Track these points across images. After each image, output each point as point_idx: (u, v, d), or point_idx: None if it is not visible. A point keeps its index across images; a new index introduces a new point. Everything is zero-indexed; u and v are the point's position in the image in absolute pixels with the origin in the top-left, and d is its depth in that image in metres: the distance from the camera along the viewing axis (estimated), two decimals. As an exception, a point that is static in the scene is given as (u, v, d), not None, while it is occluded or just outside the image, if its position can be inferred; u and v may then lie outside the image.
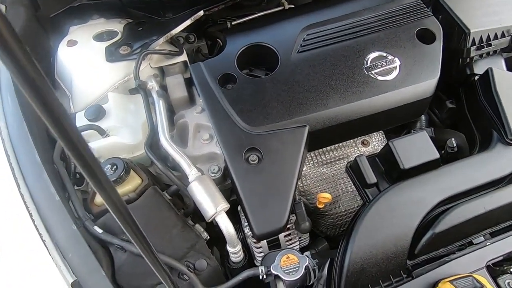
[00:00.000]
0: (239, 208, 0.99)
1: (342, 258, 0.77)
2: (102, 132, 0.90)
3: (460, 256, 0.76)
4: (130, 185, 0.82)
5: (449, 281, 0.68)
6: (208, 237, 0.87)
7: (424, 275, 0.73)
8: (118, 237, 0.74)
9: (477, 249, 0.77)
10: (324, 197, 0.89)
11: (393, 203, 0.80)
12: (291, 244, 0.93)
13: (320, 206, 0.95)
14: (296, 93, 0.96)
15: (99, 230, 0.73)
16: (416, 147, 0.86)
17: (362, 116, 0.96)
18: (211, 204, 0.75)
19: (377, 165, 0.92)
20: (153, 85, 0.97)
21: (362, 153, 1.16)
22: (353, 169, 0.93)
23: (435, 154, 0.85)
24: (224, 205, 0.77)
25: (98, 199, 0.80)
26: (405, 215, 0.79)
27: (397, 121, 1.05)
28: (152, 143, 0.99)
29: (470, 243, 0.83)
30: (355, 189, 1.14)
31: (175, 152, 0.83)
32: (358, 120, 0.96)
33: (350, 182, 1.15)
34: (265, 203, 0.81)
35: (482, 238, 0.83)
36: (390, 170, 0.89)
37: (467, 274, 0.69)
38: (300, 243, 0.96)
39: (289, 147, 0.88)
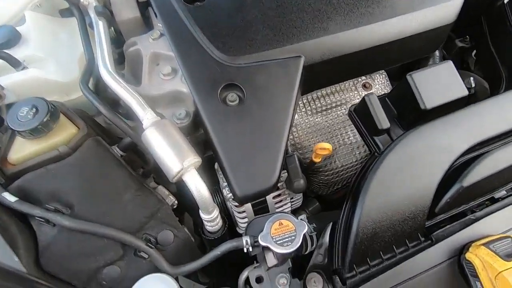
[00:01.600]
0: (216, 166, 0.79)
1: (348, 221, 0.61)
2: (17, 64, 0.64)
3: (489, 214, 0.62)
4: (61, 135, 0.58)
5: (483, 244, 0.54)
6: (176, 202, 0.67)
7: (449, 239, 0.59)
8: (42, 206, 0.52)
9: (508, 204, 0.63)
10: (323, 148, 0.71)
11: (412, 152, 0.63)
12: (281, 207, 0.76)
13: (317, 159, 0.77)
14: (287, 12, 0.72)
15: (12, 198, 0.51)
16: (441, 81, 0.67)
17: (371, 46, 0.75)
18: (175, 158, 0.54)
19: (388, 107, 0.73)
20: (90, 0, 0.69)
21: (363, 97, 0.97)
22: (359, 113, 0.74)
23: (464, 91, 0.67)
24: (194, 159, 0.56)
25: (14, 155, 0.57)
26: (426, 166, 0.62)
27: (410, 55, 0.85)
28: (99, 83, 0.74)
29: (492, 199, 0.69)
30: (353, 141, 0.97)
31: (122, 87, 0.59)
32: (365, 52, 0.75)
33: (348, 133, 0.97)
34: (249, 156, 0.61)
35: (504, 192, 0.69)
36: (405, 113, 0.71)
37: (504, 235, 0.55)
38: (292, 206, 0.79)
39: (280, 84, 0.67)
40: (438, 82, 0.67)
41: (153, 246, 0.56)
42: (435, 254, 0.57)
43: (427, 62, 0.95)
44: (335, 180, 0.98)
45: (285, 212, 0.61)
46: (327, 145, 0.71)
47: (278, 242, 0.54)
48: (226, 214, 0.79)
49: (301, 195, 0.82)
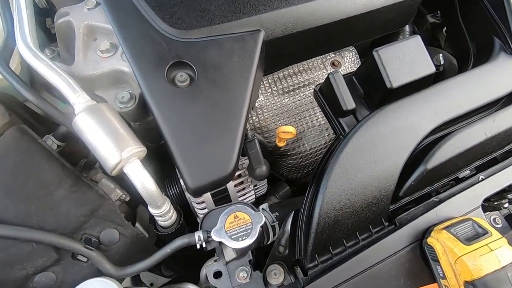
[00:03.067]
0: (173, 153, 0.72)
1: (310, 209, 0.57)
2: None
3: (452, 195, 0.61)
4: (-26, 124, 0.49)
5: (445, 228, 0.53)
6: (125, 195, 0.61)
7: (412, 223, 0.57)
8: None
9: (471, 185, 0.62)
10: (285, 132, 0.66)
11: (376, 134, 0.59)
12: (244, 195, 0.71)
13: (281, 144, 0.72)
14: (244, -20, 0.64)
15: None
16: (408, 58, 0.63)
17: (337, 19, 0.69)
18: (113, 148, 0.47)
19: (354, 86, 0.69)
20: (5, -40, 0.57)
21: (331, 76, 0.92)
22: (324, 93, 0.69)
23: (431, 67, 0.64)
24: (135, 149, 0.49)
25: None
26: (390, 149, 0.59)
27: (379, 30, 0.80)
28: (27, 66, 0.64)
29: (457, 179, 0.68)
30: (322, 123, 0.93)
31: (45, 66, 0.50)
32: (330, 26, 0.69)
33: (316, 114, 0.93)
34: (202, 142, 0.55)
35: (468, 172, 0.68)
36: (371, 92, 0.67)
37: (465, 217, 0.54)
38: (256, 193, 0.75)
39: (236, 61, 0.60)
40: (405, 58, 0.63)
41: (93, 248, 0.49)
42: (398, 239, 0.56)
43: (397, 38, 0.91)
44: (305, 163, 0.95)
45: (244, 203, 0.56)
46: (290, 128, 0.67)
47: (232, 237, 0.49)
48: (185, 204, 0.74)
49: (265, 182, 0.78)
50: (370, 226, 0.59)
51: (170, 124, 0.55)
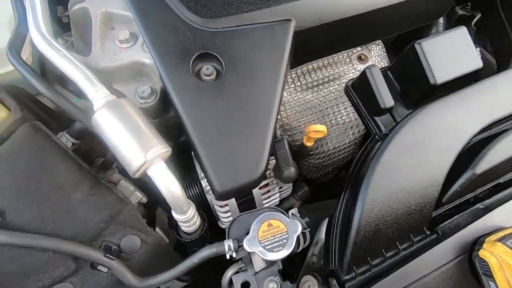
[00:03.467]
0: (193, 153, 0.67)
1: (346, 215, 0.53)
2: None
3: (499, 202, 0.56)
4: (-16, 120, 0.45)
5: (499, 239, 0.48)
6: (145, 198, 0.56)
7: (458, 233, 0.52)
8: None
9: (520, 191, 0.57)
10: (316, 131, 0.61)
11: (419, 135, 0.54)
12: (268, 198, 0.66)
13: (309, 143, 0.67)
14: (274, -37, 0.58)
15: None
16: (453, 51, 0.58)
17: (372, 9, 0.63)
18: (137, 148, 0.43)
19: (390, 82, 0.63)
20: None
21: (358, 71, 0.87)
22: (358, 89, 0.63)
23: (478, 63, 0.58)
24: (161, 149, 0.44)
25: None
26: (435, 151, 0.54)
27: (414, 21, 0.75)
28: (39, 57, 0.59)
29: (498, 184, 0.63)
30: (346, 120, 0.87)
31: (61, 56, 0.45)
32: (365, 16, 0.64)
33: (341, 112, 0.88)
34: (230, 142, 0.51)
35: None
36: (410, 89, 0.61)
37: (521, 228, 0.49)
38: (280, 196, 0.70)
39: (266, 53, 0.55)
40: (450, 52, 0.57)
41: (114, 257, 0.45)
42: (443, 252, 0.51)
43: (429, 31, 0.85)
44: (327, 163, 0.90)
45: (274, 208, 0.51)
46: (321, 127, 0.62)
47: (267, 247, 0.45)
48: (205, 206, 0.70)
49: (290, 184, 0.73)
50: (411, 235, 0.54)
51: (195, 122, 0.50)
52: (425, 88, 0.58)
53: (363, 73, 0.60)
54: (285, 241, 0.45)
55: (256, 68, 0.54)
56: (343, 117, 0.87)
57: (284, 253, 0.44)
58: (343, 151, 0.89)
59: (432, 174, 0.53)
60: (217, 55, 0.53)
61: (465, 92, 0.58)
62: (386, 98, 0.57)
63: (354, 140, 0.89)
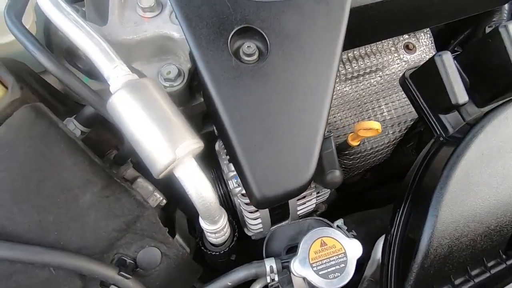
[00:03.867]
0: (217, 147, 0.58)
1: (408, 235, 0.43)
2: None
3: None
4: (-27, 100, 0.36)
5: None
6: (165, 201, 0.47)
7: (548, 260, 0.43)
8: None
9: None
10: (369, 128, 0.51)
11: (506, 139, 0.44)
12: (304, 204, 0.57)
13: (355, 143, 0.57)
14: None
15: None
16: (545, 38, 0.47)
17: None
18: (164, 142, 0.33)
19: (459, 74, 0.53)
20: None
21: (405, 61, 0.77)
22: (419, 80, 0.53)
23: None
24: (193, 143, 0.35)
25: None
26: (521, 160, 0.44)
27: (481, 5, 0.64)
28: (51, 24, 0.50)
29: None
30: (387, 117, 0.78)
31: (72, 22, 0.36)
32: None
33: (381, 107, 0.78)
34: (274, 138, 0.41)
35: None
36: (485, 83, 0.51)
37: None
38: (316, 202, 0.61)
39: (320, 31, 0.45)
40: (541, 39, 0.47)
41: (129, 276, 0.36)
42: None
43: (490, 20, 0.74)
44: (360, 164, 0.80)
45: (318, 219, 0.42)
46: (375, 124, 0.52)
47: (320, 273, 0.36)
48: (229, 209, 0.61)
49: (328, 190, 0.64)
50: (484, 259, 0.45)
51: (233, 114, 0.41)
52: (505, 82, 0.48)
53: (430, 61, 0.49)
54: (343, 265, 0.36)
55: (307, 49, 0.44)
56: (384, 114, 0.78)
57: (341, 280, 0.35)
58: (380, 152, 0.80)
59: (518, 187, 0.43)
60: (262, 31, 0.43)
61: (555, 89, 0.48)
62: (459, 93, 0.47)
63: (393, 140, 0.79)
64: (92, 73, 0.52)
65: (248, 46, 0.42)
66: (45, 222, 0.35)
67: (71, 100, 0.53)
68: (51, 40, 0.52)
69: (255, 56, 0.43)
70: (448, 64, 0.48)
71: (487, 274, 0.44)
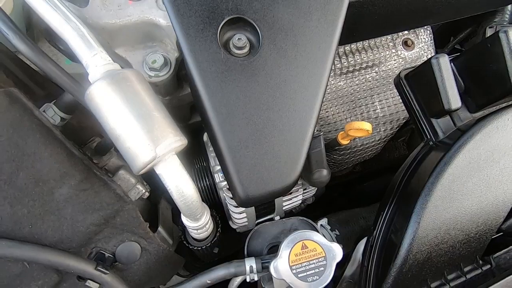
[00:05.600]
0: (205, 137, 0.57)
1: (390, 237, 0.44)
2: None
3: None
4: None
5: None
6: (148, 193, 0.46)
7: (519, 269, 0.44)
8: None
9: None
10: (360, 129, 0.50)
11: (495, 148, 0.44)
12: (290, 200, 0.57)
13: (345, 142, 0.57)
14: None
15: None
16: (544, 46, 0.46)
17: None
18: (145, 139, 0.32)
19: (454, 78, 0.52)
20: None
21: (402, 58, 0.75)
22: (414, 81, 0.52)
23: None
24: (175, 141, 0.34)
25: None
26: (506, 169, 0.44)
27: (483, 5, 0.62)
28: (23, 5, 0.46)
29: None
30: (380, 115, 0.77)
31: (50, 5, 0.33)
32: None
33: (374, 104, 0.77)
34: (261, 136, 0.40)
35: None
36: (479, 88, 0.50)
37: None
38: (302, 198, 0.61)
39: (315, 25, 0.42)
40: (540, 47, 0.46)
41: (107, 271, 0.36)
42: (501, 290, 0.43)
43: (492, 20, 0.72)
44: (350, 160, 0.80)
45: (302, 219, 0.42)
46: (366, 125, 0.51)
47: (299, 275, 0.36)
48: (215, 201, 0.60)
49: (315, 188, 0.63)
50: (461, 264, 0.45)
51: (220, 108, 0.39)
52: (501, 89, 0.47)
53: (427, 63, 0.48)
54: (322, 269, 0.36)
55: (301, 43, 0.42)
56: (377, 111, 0.77)
57: (319, 284, 0.36)
58: (370, 148, 0.80)
59: (501, 197, 0.44)
60: (254, 22, 0.40)
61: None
62: (453, 99, 0.46)
63: (384, 138, 0.79)
64: (74, 54, 0.50)
65: (238, 38, 0.40)
66: (19, 215, 0.33)
67: (51, 84, 0.51)
68: (31, 18, 0.49)
69: (246, 49, 0.41)
70: (445, 68, 0.47)
71: (463, 279, 0.45)
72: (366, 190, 1.00)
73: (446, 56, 0.47)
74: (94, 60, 0.34)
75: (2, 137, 0.33)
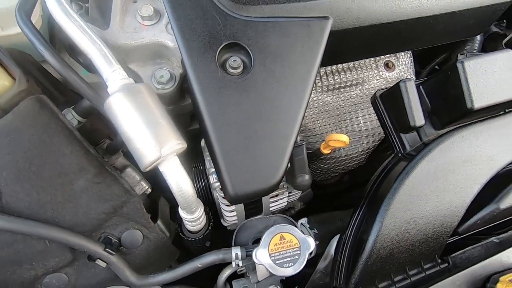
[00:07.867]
0: (203, 142, 0.64)
1: (359, 236, 0.50)
2: None
3: (516, 238, 0.54)
4: (-16, 89, 0.40)
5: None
6: (150, 190, 0.53)
7: (471, 268, 0.50)
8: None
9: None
10: (338, 140, 0.58)
11: (449, 160, 0.51)
12: (276, 202, 0.64)
13: (326, 151, 0.64)
14: (320, -47, 0.53)
15: None
16: (496, 75, 0.54)
17: (418, 16, 0.59)
18: (152, 142, 0.39)
19: (421, 99, 0.60)
20: None
21: (384, 78, 0.83)
22: (386, 101, 0.60)
23: (520, 90, 0.54)
24: (177, 144, 0.41)
25: None
26: (462, 178, 0.51)
27: (455, 34, 0.70)
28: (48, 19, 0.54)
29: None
30: (363, 128, 0.84)
31: (76, 26, 0.40)
32: (408, 23, 0.59)
33: (358, 119, 0.84)
34: (250, 143, 0.47)
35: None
36: (442, 109, 0.58)
37: (538, 271, 0.47)
38: (288, 201, 0.68)
39: (300, 51, 0.50)
40: (493, 75, 0.54)
41: (113, 252, 0.42)
42: (454, 285, 0.49)
43: (463, 47, 0.81)
44: (335, 169, 0.87)
45: (284, 217, 0.49)
46: (343, 137, 0.58)
47: (277, 262, 0.42)
48: (209, 201, 0.67)
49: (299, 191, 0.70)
50: (421, 262, 0.52)
51: (216, 118, 0.46)
52: (459, 111, 0.54)
53: (396, 86, 0.56)
54: (296, 257, 0.43)
55: (287, 66, 0.49)
56: (360, 124, 0.84)
57: (294, 270, 0.42)
58: (354, 159, 0.87)
59: (455, 203, 0.51)
60: (247, 47, 0.48)
61: (500, 121, 0.55)
62: (417, 117, 0.54)
63: (367, 149, 0.86)
64: (91, 67, 0.57)
65: (234, 60, 0.48)
66: (43, 201, 0.40)
67: (70, 90, 0.58)
68: (54, 33, 0.57)
69: (240, 69, 0.48)
70: (410, 91, 0.54)
71: (423, 275, 0.52)
72: (352, 199, 1.06)
73: (412, 80, 0.55)
74: (113, 75, 0.41)
75: (34, 136, 0.40)
